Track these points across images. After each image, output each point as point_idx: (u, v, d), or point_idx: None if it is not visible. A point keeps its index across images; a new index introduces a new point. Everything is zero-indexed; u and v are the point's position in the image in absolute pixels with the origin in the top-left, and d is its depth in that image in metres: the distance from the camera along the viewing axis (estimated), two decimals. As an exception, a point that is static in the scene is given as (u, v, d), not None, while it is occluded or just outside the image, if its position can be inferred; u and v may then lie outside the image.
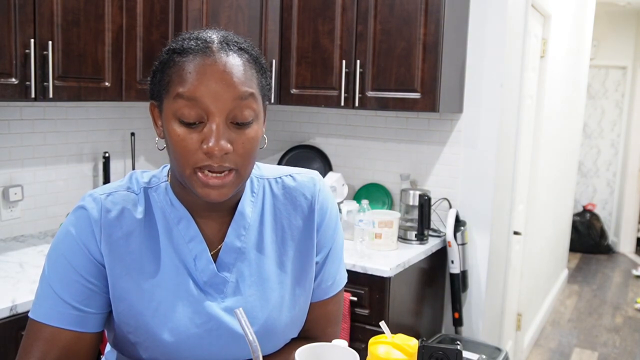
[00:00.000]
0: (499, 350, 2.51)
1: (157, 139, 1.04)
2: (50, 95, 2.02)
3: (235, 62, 0.96)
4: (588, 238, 6.74)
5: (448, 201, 2.75)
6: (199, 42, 0.97)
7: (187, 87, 0.93)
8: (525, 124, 3.22)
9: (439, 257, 2.66)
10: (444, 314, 2.79)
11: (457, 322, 2.72)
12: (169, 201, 1.05)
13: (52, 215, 2.50)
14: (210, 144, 0.93)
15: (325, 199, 1.15)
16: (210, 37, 0.98)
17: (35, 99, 1.98)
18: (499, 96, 2.64)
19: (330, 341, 1.00)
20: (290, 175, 1.15)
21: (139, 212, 1.04)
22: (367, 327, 2.26)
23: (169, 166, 1.08)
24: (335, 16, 2.54)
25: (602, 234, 6.82)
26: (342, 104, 2.54)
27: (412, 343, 1.01)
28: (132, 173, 1.09)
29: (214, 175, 0.95)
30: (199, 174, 0.95)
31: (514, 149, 3.00)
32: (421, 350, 0.98)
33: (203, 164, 0.94)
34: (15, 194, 2.34)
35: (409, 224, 2.61)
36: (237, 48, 0.98)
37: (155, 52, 2.34)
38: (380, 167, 2.92)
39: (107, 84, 2.26)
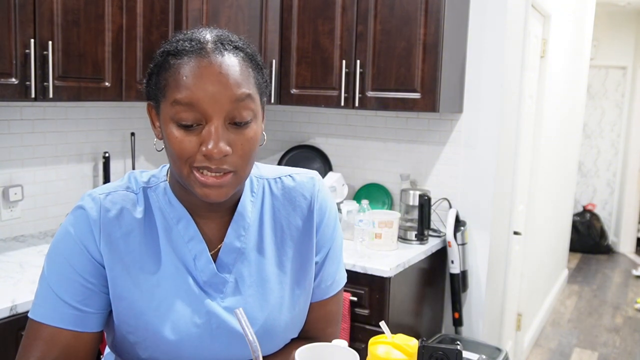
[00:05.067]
0: (499, 350, 2.51)
1: (155, 140, 1.04)
2: (50, 95, 2.02)
3: (231, 63, 0.95)
4: (588, 238, 6.73)
5: (448, 201, 2.74)
6: (193, 43, 0.96)
7: (184, 93, 0.93)
8: (525, 124, 3.22)
9: (439, 257, 2.66)
10: (444, 314, 2.79)
11: (457, 322, 2.72)
12: (168, 201, 1.05)
13: (52, 215, 2.50)
14: (210, 146, 0.92)
15: (324, 199, 1.15)
16: (204, 37, 0.97)
17: (35, 99, 1.98)
18: (499, 96, 2.64)
19: (330, 341, 1.00)
20: (289, 175, 1.15)
21: (138, 212, 1.04)
22: (367, 327, 2.26)
23: (168, 166, 1.08)
24: (335, 16, 2.54)
25: (602, 234, 6.82)
26: (342, 104, 2.54)
27: (412, 343, 1.01)
28: (131, 173, 1.09)
29: (212, 174, 0.95)
30: (196, 173, 0.95)
31: (514, 149, 3.00)
32: (421, 350, 0.98)
33: (201, 165, 0.94)
34: (15, 194, 2.34)
35: (409, 224, 2.61)
36: (232, 47, 0.97)
37: (155, 52, 2.34)
38: (380, 167, 2.92)
39: (107, 84, 2.26)
